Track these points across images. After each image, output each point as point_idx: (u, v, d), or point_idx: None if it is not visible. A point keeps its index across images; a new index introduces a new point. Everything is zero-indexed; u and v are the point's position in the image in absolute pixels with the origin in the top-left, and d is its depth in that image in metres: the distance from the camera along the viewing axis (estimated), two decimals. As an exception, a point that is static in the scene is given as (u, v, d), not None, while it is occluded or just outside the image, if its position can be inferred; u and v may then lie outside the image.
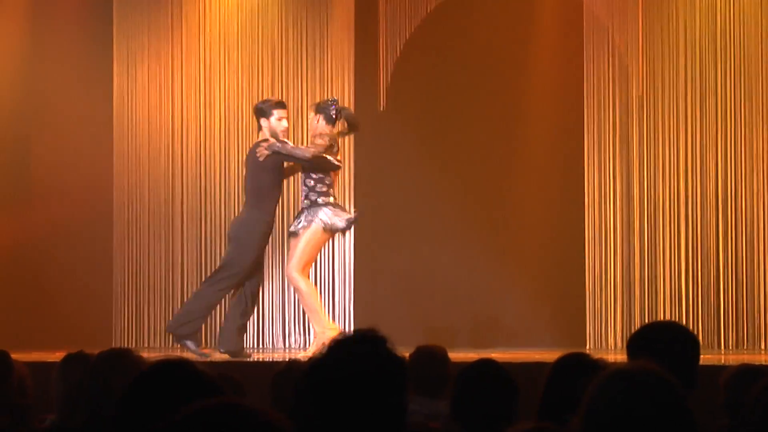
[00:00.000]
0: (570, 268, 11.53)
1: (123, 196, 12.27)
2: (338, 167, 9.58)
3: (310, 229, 9.30)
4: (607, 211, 11.37)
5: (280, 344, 11.87)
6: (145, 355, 4.50)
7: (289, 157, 9.40)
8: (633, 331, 4.07)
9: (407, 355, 3.65)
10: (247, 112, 11.53)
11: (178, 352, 9.87)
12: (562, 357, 3.83)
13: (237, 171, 11.53)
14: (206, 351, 9.64)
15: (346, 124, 9.50)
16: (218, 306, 10.09)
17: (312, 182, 9.36)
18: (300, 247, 9.33)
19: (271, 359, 10.22)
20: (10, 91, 12.03)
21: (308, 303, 9.40)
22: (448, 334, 11.31)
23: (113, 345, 11.29)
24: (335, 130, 9.43)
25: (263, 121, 9.50)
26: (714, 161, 11.12)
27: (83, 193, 12.13)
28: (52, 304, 11.86)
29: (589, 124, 11.46)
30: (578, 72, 11.50)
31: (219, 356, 9.33)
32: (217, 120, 12.11)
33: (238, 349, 9.42)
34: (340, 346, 2.37)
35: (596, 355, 3.86)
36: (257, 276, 9.58)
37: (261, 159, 9.32)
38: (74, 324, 11.53)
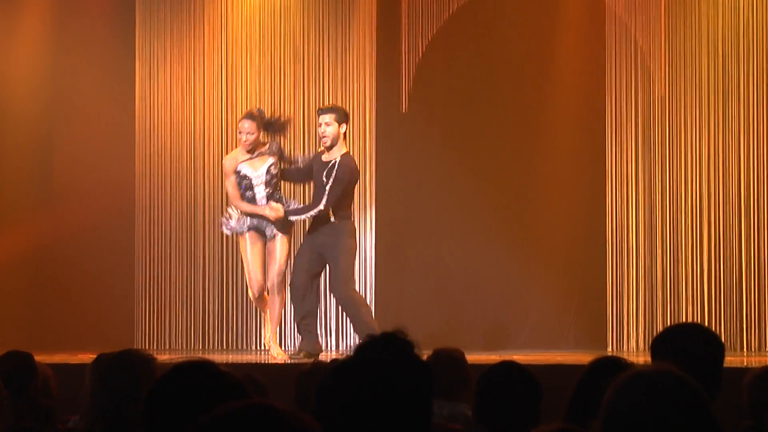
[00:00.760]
0: (592, 269, 11.50)
1: (145, 198, 12.29)
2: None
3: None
4: (629, 213, 11.33)
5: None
6: (167, 356, 4.50)
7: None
8: (655, 333, 4.05)
9: (425, 357, 3.62)
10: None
11: (199, 353, 9.88)
12: (596, 359, 3.79)
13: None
14: None
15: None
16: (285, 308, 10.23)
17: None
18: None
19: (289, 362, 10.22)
20: (34, 94, 12.07)
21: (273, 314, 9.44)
22: (469, 334, 11.31)
23: (135, 346, 11.31)
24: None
25: (343, 126, 9.30)
26: (737, 162, 11.07)
27: (105, 195, 12.15)
28: (74, 306, 11.90)
29: (612, 125, 11.43)
30: (600, 73, 11.48)
31: (241, 357, 9.33)
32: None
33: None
34: (366, 349, 2.36)
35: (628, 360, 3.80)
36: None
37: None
38: (97, 326, 11.58)
